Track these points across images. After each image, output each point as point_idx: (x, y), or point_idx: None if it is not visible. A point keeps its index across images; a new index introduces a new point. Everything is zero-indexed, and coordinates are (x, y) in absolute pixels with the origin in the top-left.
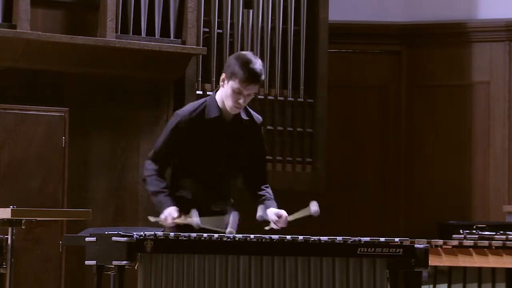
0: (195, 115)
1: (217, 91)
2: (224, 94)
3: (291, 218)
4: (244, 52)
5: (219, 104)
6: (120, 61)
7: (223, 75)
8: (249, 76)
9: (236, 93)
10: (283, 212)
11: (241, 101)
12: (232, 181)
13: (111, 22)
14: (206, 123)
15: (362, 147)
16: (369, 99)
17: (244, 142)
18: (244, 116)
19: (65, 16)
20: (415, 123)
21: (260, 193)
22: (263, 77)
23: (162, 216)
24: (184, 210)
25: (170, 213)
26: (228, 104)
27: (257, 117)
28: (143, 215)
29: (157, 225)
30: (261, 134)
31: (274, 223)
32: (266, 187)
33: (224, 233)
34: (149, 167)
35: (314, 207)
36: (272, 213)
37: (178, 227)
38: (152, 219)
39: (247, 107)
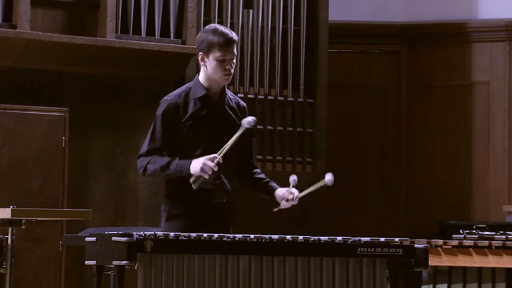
0: (182, 97)
1: (198, 74)
2: (209, 70)
3: (303, 193)
4: (207, 26)
5: (204, 84)
6: (120, 61)
7: (200, 55)
8: (225, 39)
9: (221, 62)
10: (294, 190)
11: (228, 67)
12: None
13: (111, 22)
14: (193, 104)
15: (362, 147)
16: (369, 99)
17: (232, 123)
18: (230, 95)
19: (65, 16)
20: (415, 123)
21: (257, 176)
22: (236, 36)
23: (195, 170)
24: (180, 204)
25: (208, 159)
26: (218, 75)
27: (242, 101)
28: (143, 215)
29: (159, 224)
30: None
31: (287, 201)
32: (258, 170)
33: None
34: (143, 159)
35: (328, 176)
36: (282, 192)
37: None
38: (195, 185)
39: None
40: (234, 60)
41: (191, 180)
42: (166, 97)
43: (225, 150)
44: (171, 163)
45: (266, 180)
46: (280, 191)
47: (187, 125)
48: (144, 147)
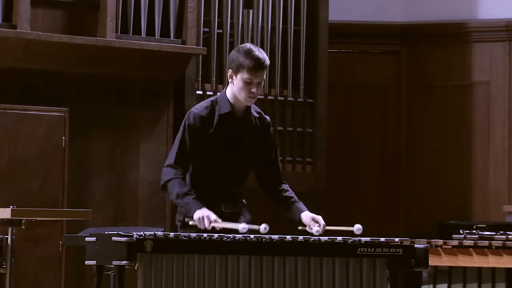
0: (208, 111)
1: (226, 88)
2: (235, 89)
3: (328, 228)
4: (243, 44)
5: (230, 100)
6: (120, 61)
7: (229, 72)
8: (256, 63)
9: (248, 84)
10: (320, 219)
11: (254, 90)
12: (244, 181)
13: (111, 22)
14: (218, 119)
15: (362, 147)
16: (369, 99)
17: (255, 140)
18: (254, 113)
19: (65, 16)
20: (415, 123)
21: (285, 194)
22: (268, 61)
23: (196, 217)
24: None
25: (208, 216)
26: (242, 96)
27: (266, 116)
28: (143, 215)
29: (159, 224)
30: (271, 132)
31: (311, 227)
32: (286, 186)
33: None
34: (170, 171)
35: (357, 226)
36: (309, 217)
37: (211, 230)
38: (190, 222)
39: (256, 106)
40: (262, 83)
41: (190, 219)
42: (193, 109)
43: (227, 226)
44: (185, 197)
45: (293, 199)
46: (307, 216)
47: (209, 140)
48: (172, 158)
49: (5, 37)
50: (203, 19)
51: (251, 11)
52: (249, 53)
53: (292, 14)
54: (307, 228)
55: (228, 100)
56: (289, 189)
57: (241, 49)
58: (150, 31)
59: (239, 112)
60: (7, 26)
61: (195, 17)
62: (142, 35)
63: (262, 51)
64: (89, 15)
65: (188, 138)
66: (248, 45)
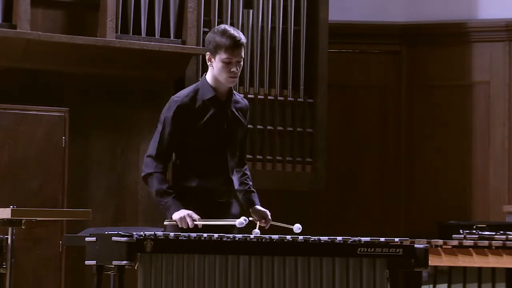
0: (191, 98)
1: (206, 74)
2: (215, 71)
3: (274, 223)
4: (217, 26)
5: (212, 84)
6: (120, 61)
7: (207, 55)
8: (232, 41)
9: (227, 64)
10: (267, 215)
11: (233, 69)
12: (234, 167)
13: (111, 22)
14: (202, 105)
15: (362, 147)
16: (369, 99)
17: (238, 123)
18: (236, 95)
19: (65, 16)
20: (415, 123)
21: (243, 180)
22: (244, 39)
23: (177, 216)
24: (189, 202)
25: (190, 215)
26: (223, 77)
27: (246, 101)
28: (143, 215)
29: (159, 224)
30: (247, 117)
31: (259, 224)
32: (246, 170)
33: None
34: (151, 164)
35: (297, 225)
36: (257, 213)
37: (186, 229)
38: (167, 222)
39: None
40: (241, 63)
41: (167, 219)
42: (174, 98)
43: (208, 223)
44: (165, 196)
45: (248, 188)
46: (255, 212)
47: (195, 126)
48: (153, 149)
49: (5, 37)
50: (203, 19)
51: (251, 11)
52: (224, 33)
53: (292, 14)
54: (257, 223)
55: (210, 84)
56: (248, 173)
57: (216, 30)
58: (150, 31)
59: (222, 96)
60: (7, 26)
61: (195, 17)
62: (142, 35)
63: (238, 30)
64: (89, 15)
65: (171, 129)
66: (223, 25)
